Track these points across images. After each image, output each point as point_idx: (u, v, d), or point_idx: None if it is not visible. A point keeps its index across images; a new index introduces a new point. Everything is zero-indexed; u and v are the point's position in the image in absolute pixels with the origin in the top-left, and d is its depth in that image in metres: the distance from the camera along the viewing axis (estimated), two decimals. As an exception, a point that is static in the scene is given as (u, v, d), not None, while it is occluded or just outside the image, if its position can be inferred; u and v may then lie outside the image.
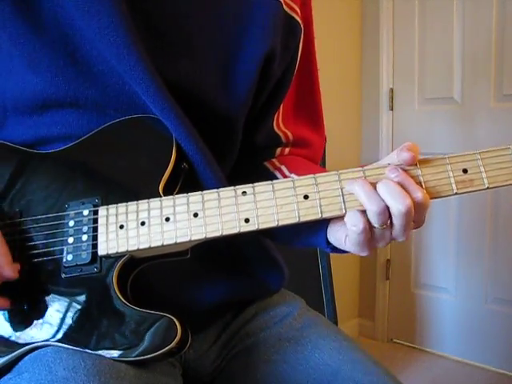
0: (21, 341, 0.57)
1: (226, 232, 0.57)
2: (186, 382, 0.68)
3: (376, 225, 0.55)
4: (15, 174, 0.63)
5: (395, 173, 0.56)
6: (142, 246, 0.57)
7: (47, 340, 0.56)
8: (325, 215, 0.57)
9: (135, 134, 0.62)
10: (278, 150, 0.79)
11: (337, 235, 0.61)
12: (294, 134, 0.80)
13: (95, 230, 0.58)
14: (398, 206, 0.54)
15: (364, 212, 0.55)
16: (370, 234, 0.56)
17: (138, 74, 0.59)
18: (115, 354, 0.55)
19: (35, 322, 0.57)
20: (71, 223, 0.59)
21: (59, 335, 0.56)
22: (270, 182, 0.58)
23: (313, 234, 0.64)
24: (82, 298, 0.58)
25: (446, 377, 2.08)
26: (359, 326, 2.46)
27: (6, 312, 0.58)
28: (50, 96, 0.61)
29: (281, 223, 0.56)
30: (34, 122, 0.64)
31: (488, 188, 0.56)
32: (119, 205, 0.59)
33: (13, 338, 0.57)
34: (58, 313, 0.57)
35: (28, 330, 0.57)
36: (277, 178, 0.70)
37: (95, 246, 0.58)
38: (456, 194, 0.56)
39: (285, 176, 0.73)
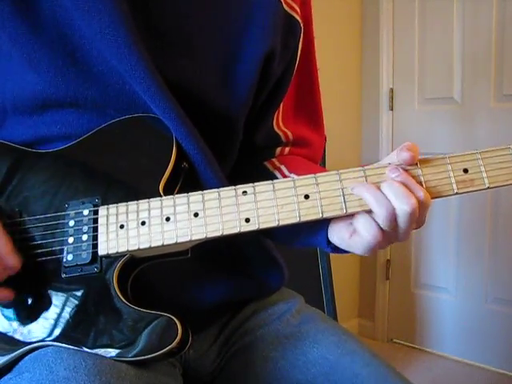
0: (21, 340, 0.57)
1: (227, 232, 0.57)
2: (186, 382, 0.68)
3: (386, 228, 0.55)
4: (15, 174, 0.63)
5: (396, 172, 0.56)
6: (142, 246, 0.57)
7: (48, 340, 0.56)
8: (325, 215, 0.57)
9: (135, 133, 0.62)
10: (278, 150, 0.79)
11: (339, 235, 0.61)
12: (294, 133, 0.80)
13: (95, 229, 0.58)
14: (403, 207, 0.54)
15: (371, 213, 0.56)
16: (382, 237, 0.56)
17: (138, 73, 0.59)
18: (115, 353, 0.55)
19: (35, 321, 0.57)
20: (71, 223, 0.59)
21: (59, 335, 0.56)
22: (270, 181, 0.58)
23: (313, 233, 0.64)
24: (83, 297, 0.58)
25: (445, 377, 2.08)
26: (359, 325, 2.46)
27: (6, 312, 0.58)
28: (50, 96, 0.61)
29: (281, 223, 0.56)
30: (34, 122, 0.64)
31: (488, 188, 0.56)
32: (119, 204, 0.59)
33: (13, 338, 0.57)
34: (58, 313, 0.57)
35: (28, 329, 0.57)
36: (276, 178, 0.70)
37: (95, 246, 0.58)
38: (457, 193, 0.56)
39: (284, 176, 0.73)
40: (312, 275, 1.77)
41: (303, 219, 0.56)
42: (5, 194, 0.62)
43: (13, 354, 0.56)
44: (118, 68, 0.60)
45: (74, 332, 0.56)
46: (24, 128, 0.64)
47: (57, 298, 0.58)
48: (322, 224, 0.62)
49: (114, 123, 0.62)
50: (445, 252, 2.18)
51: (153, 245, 0.57)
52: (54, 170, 0.62)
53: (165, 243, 0.57)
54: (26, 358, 0.56)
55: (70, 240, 0.59)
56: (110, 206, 0.59)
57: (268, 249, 0.76)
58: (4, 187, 0.62)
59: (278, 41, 0.71)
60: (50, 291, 0.58)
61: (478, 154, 0.57)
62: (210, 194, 0.58)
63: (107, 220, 0.58)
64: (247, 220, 0.57)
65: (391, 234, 0.57)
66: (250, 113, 0.73)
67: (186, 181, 0.62)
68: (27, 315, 0.58)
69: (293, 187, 0.57)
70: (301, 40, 0.76)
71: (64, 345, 0.56)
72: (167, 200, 0.58)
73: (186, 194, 0.58)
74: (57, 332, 0.57)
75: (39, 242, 0.59)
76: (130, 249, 0.57)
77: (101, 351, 0.55)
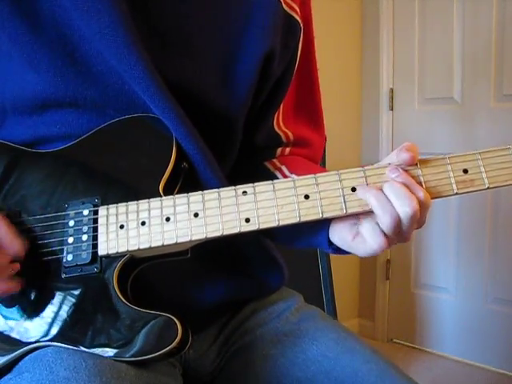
0: (21, 341, 0.57)
1: (227, 232, 0.57)
2: (186, 382, 0.68)
3: (390, 234, 0.56)
4: (14, 174, 0.62)
5: (396, 173, 0.56)
6: (142, 246, 0.57)
7: (48, 340, 0.56)
8: (325, 215, 0.57)
9: (135, 133, 0.62)
10: (279, 150, 0.79)
11: (340, 235, 0.61)
12: (295, 133, 0.80)
13: (95, 229, 0.58)
14: (405, 209, 0.54)
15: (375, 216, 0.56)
16: (387, 245, 0.57)
17: (138, 73, 0.59)
18: (115, 353, 0.55)
19: (35, 321, 0.57)
20: (71, 223, 0.59)
21: (59, 335, 0.56)
22: (270, 181, 0.58)
23: (314, 234, 0.64)
24: (83, 298, 0.58)
25: (446, 377, 2.08)
26: (359, 325, 2.46)
27: (6, 312, 0.58)
28: (50, 96, 0.61)
29: (281, 223, 0.56)
30: (34, 122, 0.64)
31: (488, 188, 0.56)
32: (119, 204, 0.59)
33: (13, 338, 0.57)
34: (57, 313, 0.57)
35: (28, 329, 0.57)
36: (277, 178, 0.70)
37: (95, 246, 0.58)
38: (456, 194, 0.56)
39: (285, 176, 0.73)
40: (312, 275, 1.77)
41: (303, 219, 0.56)
42: (4, 193, 0.62)
43: (13, 354, 0.56)
44: (117, 68, 0.60)
45: (74, 332, 0.56)
46: (23, 128, 0.64)
47: (57, 298, 0.58)
48: (323, 224, 0.62)
49: (113, 123, 0.62)
50: (445, 252, 2.18)
51: (153, 245, 0.57)
52: (53, 170, 0.62)
53: (165, 243, 0.57)
54: (26, 358, 0.56)
55: (70, 240, 0.59)
56: (110, 206, 0.59)
57: (268, 249, 0.76)
58: (3, 187, 0.62)
59: (278, 41, 0.71)
60: (49, 291, 0.58)
61: (478, 155, 0.57)
62: (210, 194, 0.58)
63: (107, 220, 0.58)
64: (247, 220, 0.57)
65: (394, 238, 0.57)
66: (251, 113, 0.73)
67: (186, 181, 0.62)
68: (27, 315, 0.58)
69: (293, 187, 0.57)
70: (301, 40, 0.76)
71: (64, 345, 0.55)
72: (167, 200, 0.58)
73: (186, 194, 0.58)
74: (57, 332, 0.57)
75: (39, 242, 0.59)
76: (130, 249, 0.57)
77: (100, 351, 0.55)
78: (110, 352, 0.55)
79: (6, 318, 0.58)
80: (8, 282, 0.57)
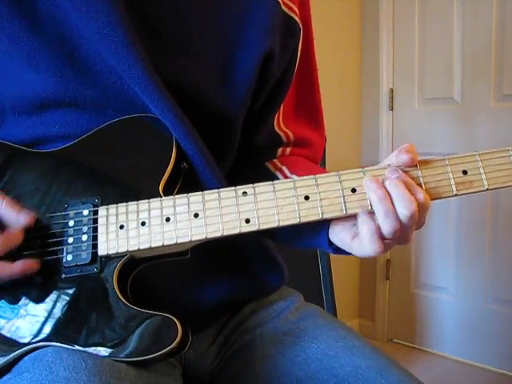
0: (20, 341, 0.57)
1: (227, 232, 0.57)
2: (186, 382, 0.68)
3: (389, 236, 0.56)
4: (14, 173, 0.62)
5: (395, 174, 0.56)
6: (142, 247, 0.57)
7: (47, 340, 0.56)
8: (325, 216, 0.57)
9: (135, 133, 0.62)
10: (280, 151, 0.79)
11: (340, 236, 0.61)
12: (295, 133, 0.80)
13: (95, 230, 0.58)
14: (403, 211, 0.54)
15: (374, 218, 0.56)
16: (384, 249, 0.57)
17: (136, 73, 0.59)
18: (115, 353, 0.55)
19: (35, 322, 0.57)
20: (71, 223, 0.59)
21: (59, 335, 0.56)
22: (270, 182, 0.58)
23: (315, 234, 0.64)
24: (82, 298, 0.58)
25: (446, 377, 2.08)
26: (359, 325, 2.46)
27: (5, 312, 0.58)
28: (49, 96, 0.61)
29: (281, 224, 0.57)
30: (33, 122, 0.64)
31: (488, 189, 0.56)
32: (119, 205, 0.59)
33: (12, 338, 0.57)
34: (57, 313, 0.57)
35: (28, 330, 0.57)
36: (278, 179, 0.70)
37: (95, 246, 0.58)
38: (456, 195, 0.56)
39: (286, 177, 0.73)
40: (312, 275, 1.77)
41: (303, 220, 0.57)
42: (3, 193, 0.62)
43: (12, 354, 0.56)
44: (116, 68, 0.60)
45: (74, 332, 0.56)
46: (23, 128, 0.64)
47: (56, 299, 0.58)
48: (323, 225, 0.62)
49: (113, 123, 0.62)
50: (445, 252, 2.18)
51: (153, 245, 0.57)
52: (53, 170, 0.62)
53: (165, 243, 0.57)
54: (26, 358, 0.56)
55: (70, 240, 0.59)
56: (110, 206, 0.59)
57: (268, 249, 0.76)
58: (3, 187, 0.62)
59: (277, 41, 0.71)
60: (49, 291, 0.58)
61: (478, 156, 0.57)
62: (210, 195, 0.58)
63: (107, 220, 0.58)
64: (247, 221, 0.57)
65: (394, 241, 0.57)
66: (251, 113, 0.73)
67: (185, 181, 0.62)
68: (27, 315, 0.58)
69: (293, 188, 0.57)
70: (300, 41, 0.76)
71: (63, 345, 0.55)
72: (167, 200, 0.58)
73: (186, 195, 0.58)
74: (56, 332, 0.57)
75: (38, 241, 0.59)
76: (130, 249, 0.57)
77: (100, 351, 0.55)
78: (110, 352, 0.55)
79: (5, 318, 0.58)
80: (26, 262, 0.57)
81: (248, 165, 0.77)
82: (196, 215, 0.57)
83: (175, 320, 0.55)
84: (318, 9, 0.85)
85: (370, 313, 2.42)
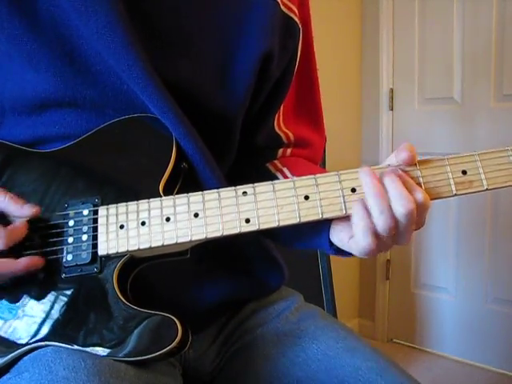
0: (20, 341, 0.57)
1: (227, 232, 0.57)
2: (186, 382, 0.68)
3: (385, 234, 0.55)
4: (13, 173, 0.62)
5: (395, 172, 0.56)
6: (142, 246, 0.57)
7: (47, 339, 0.56)
8: (325, 216, 0.57)
9: (135, 133, 0.62)
10: (280, 151, 0.79)
11: (340, 236, 0.61)
12: (295, 133, 0.80)
13: (95, 229, 0.58)
14: (399, 209, 0.54)
15: (372, 222, 0.55)
16: (377, 245, 0.56)
17: (135, 73, 0.59)
18: (115, 353, 0.55)
19: (35, 322, 0.57)
20: (71, 223, 0.59)
21: (59, 335, 0.56)
22: (270, 182, 0.58)
23: (315, 235, 0.64)
24: (82, 298, 0.58)
25: (446, 377, 2.08)
26: (359, 325, 2.46)
27: (4, 312, 0.58)
28: (49, 96, 0.62)
29: (281, 223, 0.57)
30: (33, 122, 0.64)
31: (487, 189, 0.56)
32: (119, 205, 0.59)
33: (12, 338, 0.57)
34: (57, 313, 0.57)
35: (28, 330, 0.57)
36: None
37: (95, 246, 0.58)
38: (455, 195, 0.56)
39: (286, 178, 0.73)
40: (312, 275, 1.77)
41: (303, 220, 0.57)
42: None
43: (12, 354, 0.56)
44: (115, 68, 0.60)
45: (74, 332, 0.56)
46: (22, 128, 0.64)
47: (56, 298, 0.58)
48: (324, 225, 0.62)
49: (113, 123, 0.62)
50: (445, 252, 2.18)
51: (153, 245, 0.57)
52: (53, 170, 0.62)
53: (165, 243, 0.57)
54: (26, 357, 0.56)
55: (70, 240, 0.59)
56: (110, 206, 0.59)
57: (268, 249, 0.76)
58: (2, 186, 0.62)
59: (276, 42, 0.71)
60: (49, 291, 0.58)
61: (477, 156, 0.57)
62: (210, 195, 0.58)
63: (107, 220, 0.58)
64: (247, 220, 0.57)
65: (389, 239, 0.57)
66: (251, 114, 0.73)
67: (185, 181, 0.62)
68: (27, 315, 0.58)
69: (293, 188, 0.57)
70: (300, 41, 0.76)
71: (63, 344, 0.55)
72: (167, 200, 0.58)
73: (186, 195, 0.58)
74: (56, 332, 0.57)
75: (38, 241, 0.59)
76: (130, 249, 0.57)
77: (100, 350, 0.55)
78: (110, 352, 0.55)
79: (5, 318, 0.58)
80: (31, 258, 0.57)
81: (249, 165, 0.77)
82: (196, 215, 0.57)
83: (175, 320, 0.55)
84: (317, 9, 0.85)
85: (369, 313, 2.42)
